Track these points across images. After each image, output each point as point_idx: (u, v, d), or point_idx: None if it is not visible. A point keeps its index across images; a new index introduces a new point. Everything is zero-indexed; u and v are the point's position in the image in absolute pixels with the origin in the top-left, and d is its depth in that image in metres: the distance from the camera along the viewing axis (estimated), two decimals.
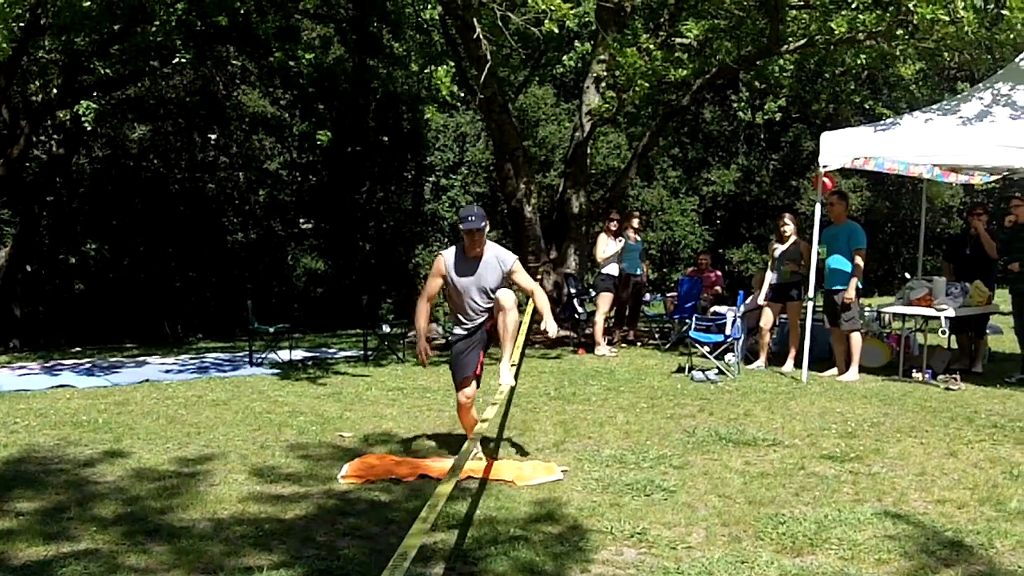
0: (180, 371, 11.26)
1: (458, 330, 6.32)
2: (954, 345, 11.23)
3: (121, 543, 4.53)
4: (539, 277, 13.02)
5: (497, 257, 6.20)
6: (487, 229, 6.18)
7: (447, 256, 6.25)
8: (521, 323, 6.44)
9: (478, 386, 6.31)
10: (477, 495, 5.35)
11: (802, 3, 11.67)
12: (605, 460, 6.18)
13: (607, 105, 13.41)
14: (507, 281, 6.24)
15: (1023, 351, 10.10)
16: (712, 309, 12.60)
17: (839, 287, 10.16)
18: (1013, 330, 10.48)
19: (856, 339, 10.19)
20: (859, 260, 10.13)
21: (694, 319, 11.51)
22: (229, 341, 16.92)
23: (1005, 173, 9.62)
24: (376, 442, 6.89)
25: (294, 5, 16.29)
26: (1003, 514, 5.00)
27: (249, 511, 5.07)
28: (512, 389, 6.46)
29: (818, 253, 10.25)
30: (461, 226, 6.11)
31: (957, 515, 5.00)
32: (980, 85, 10.95)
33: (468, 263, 6.16)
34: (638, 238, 13.18)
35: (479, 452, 6.20)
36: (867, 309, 11.86)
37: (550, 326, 6.14)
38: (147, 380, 10.34)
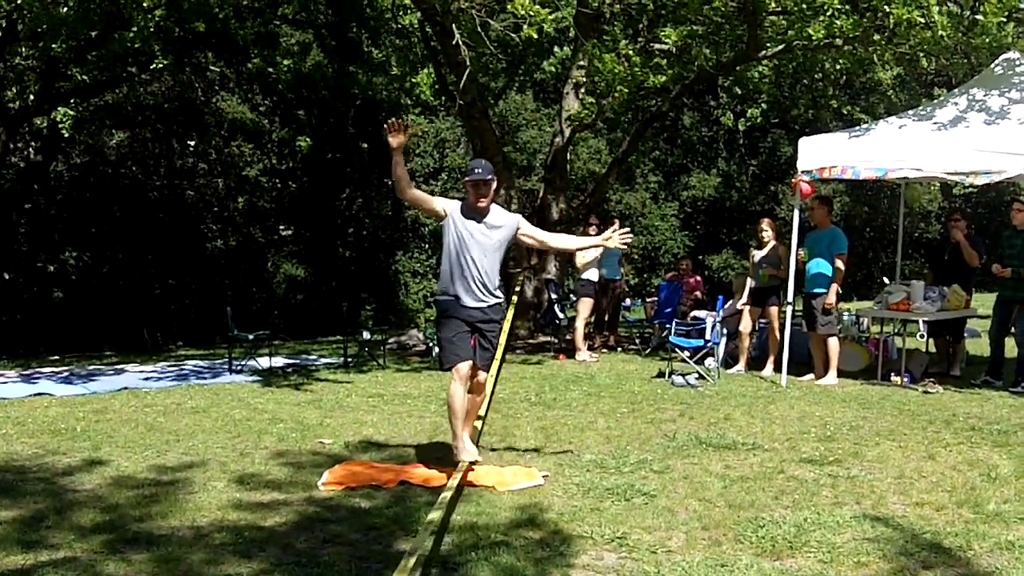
0: (159, 379, 11.19)
1: (448, 295, 6.03)
2: (932, 349, 11.30)
3: (100, 551, 4.50)
4: (519, 283, 13.02)
5: (504, 215, 6.07)
6: (495, 185, 6.02)
7: (454, 202, 6.07)
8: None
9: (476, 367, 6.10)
10: (458, 501, 5.34)
11: (780, 9, 11.71)
12: (586, 465, 6.19)
13: (586, 111, 13.43)
14: (514, 241, 6.08)
15: (992, 354, 10.20)
16: (692, 314, 12.65)
17: (819, 291, 10.21)
18: (987, 333, 10.57)
19: (833, 343, 10.24)
20: (840, 265, 10.20)
21: (674, 324, 11.56)
22: (209, 348, 16.83)
23: (985, 179, 9.63)
24: (357, 449, 6.87)
25: (272, 11, 16.26)
26: (981, 516, 5.04)
27: (229, 518, 5.05)
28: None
29: (800, 256, 10.29)
30: (467, 178, 5.99)
31: (935, 517, 5.04)
32: (955, 91, 11.04)
33: (475, 213, 5.97)
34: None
35: (471, 454, 6.03)
36: (846, 313, 11.93)
37: (599, 240, 6.15)
38: (126, 388, 10.26)
